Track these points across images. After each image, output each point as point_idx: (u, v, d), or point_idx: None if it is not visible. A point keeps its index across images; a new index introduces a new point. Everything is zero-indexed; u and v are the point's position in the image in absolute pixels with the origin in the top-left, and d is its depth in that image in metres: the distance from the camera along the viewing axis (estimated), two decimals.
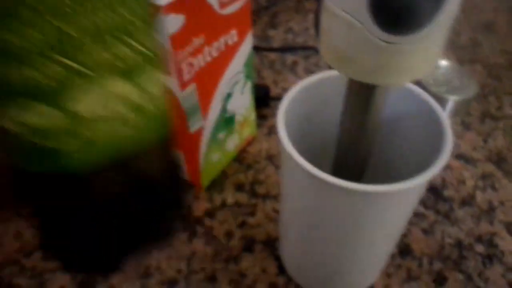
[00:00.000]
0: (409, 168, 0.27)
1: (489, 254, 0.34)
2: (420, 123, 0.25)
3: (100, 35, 0.11)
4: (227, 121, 0.37)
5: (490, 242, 0.35)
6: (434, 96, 0.43)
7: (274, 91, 0.48)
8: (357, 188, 0.20)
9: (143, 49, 0.12)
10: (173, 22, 0.26)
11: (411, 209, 0.25)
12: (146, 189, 0.15)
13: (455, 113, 0.44)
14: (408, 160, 0.28)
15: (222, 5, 0.30)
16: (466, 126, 0.44)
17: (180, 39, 0.27)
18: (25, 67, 0.09)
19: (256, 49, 0.53)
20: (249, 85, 0.37)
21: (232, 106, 0.36)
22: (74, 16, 0.10)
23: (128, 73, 0.11)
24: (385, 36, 0.16)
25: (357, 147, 0.23)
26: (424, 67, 0.17)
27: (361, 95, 0.20)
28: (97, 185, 0.13)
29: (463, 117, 0.45)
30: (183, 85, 0.30)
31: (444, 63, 0.46)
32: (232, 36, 0.32)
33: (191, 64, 0.30)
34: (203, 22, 0.29)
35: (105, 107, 0.10)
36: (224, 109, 0.35)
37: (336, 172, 0.26)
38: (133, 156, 0.13)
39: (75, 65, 0.10)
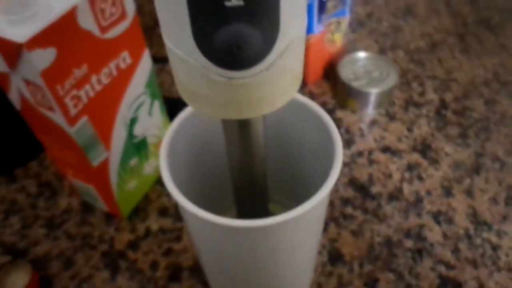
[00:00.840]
0: (316, 180, 0.26)
1: (419, 248, 0.34)
2: (315, 135, 0.24)
3: None
4: (137, 146, 0.34)
5: (418, 235, 0.35)
6: (356, 91, 0.42)
7: None
8: (253, 225, 0.19)
9: None
10: (42, 58, 0.24)
11: (316, 224, 0.24)
12: None
13: (378, 104, 0.44)
14: (313, 173, 0.26)
15: (103, 29, 0.27)
16: (390, 116, 0.44)
17: (55, 73, 0.25)
18: None
19: (165, 60, 0.50)
20: (157, 104, 0.35)
21: (139, 130, 0.34)
22: None
23: None
24: (223, 72, 0.14)
25: (249, 178, 0.22)
26: (282, 95, 0.16)
27: (235, 128, 0.19)
28: None
29: (387, 107, 0.45)
30: (71, 120, 0.27)
31: (363, 54, 0.45)
32: (123, 58, 0.30)
33: (77, 97, 0.27)
34: (82, 51, 0.27)
35: None
36: (130, 135, 0.33)
37: (239, 204, 0.25)
38: None
39: None
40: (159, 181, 0.39)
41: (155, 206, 0.37)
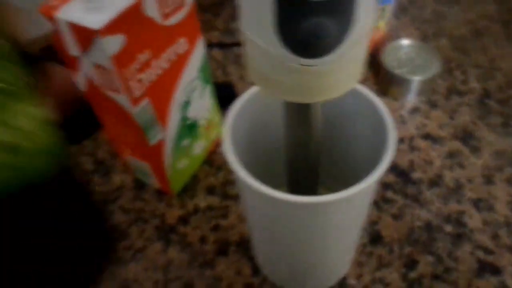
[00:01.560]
0: (365, 165, 0.28)
1: (458, 233, 0.35)
2: (367, 122, 0.25)
3: None
4: (189, 128, 0.36)
5: (458, 221, 0.36)
6: (398, 78, 0.43)
7: (241, 86, 0.48)
8: (307, 201, 0.21)
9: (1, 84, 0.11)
10: (113, 43, 0.26)
11: (364, 206, 0.25)
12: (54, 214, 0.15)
13: (420, 92, 0.44)
14: (362, 158, 0.28)
15: (165, 16, 0.29)
16: (432, 104, 0.44)
17: (123, 58, 0.27)
18: None
19: (219, 45, 0.52)
20: (208, 89, 0.37)
21: (192, 112, 0.36)
22: None
23: None
24: (299, 60, 0.16)
25: (305, 159, 0.23)
26: (347, 83, 0.17)
27: (297, 111, 0.20)
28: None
29: (429, 95, 0.45)
30: (135, 101, 0.30)
31: (406, 42, 0.46)
32: (181, 45, 0.32)
33: (140, 80, 0.29)
34: (146, 37, 0.28)
35: None
36: (184, 117, 0.35)
37: (291, 183, 0.26)
38: (31, 188, 0.13)
39: None
40: (206, 162, 0.41)
41: (202, 185, 0.40)
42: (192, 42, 0.33)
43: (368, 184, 0.21)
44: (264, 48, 0.16)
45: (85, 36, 0.26)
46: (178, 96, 0.34)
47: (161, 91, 0.32)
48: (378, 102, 0.24)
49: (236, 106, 0.25)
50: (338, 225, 0.24)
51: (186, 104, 0.35)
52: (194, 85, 0.35)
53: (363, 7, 0.15)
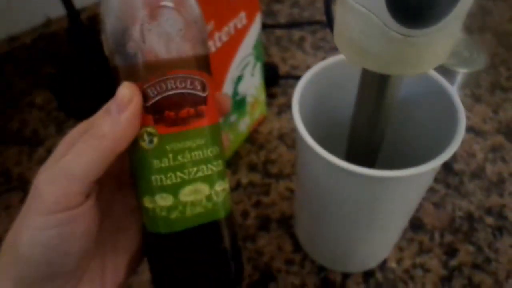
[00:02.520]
0: (424, 149, 0.28)
1: (499, 225, 0.35)
2: (434, 105, 0.26)
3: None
4: (238, 104, 0.37)
5: (499, 214, 0.36)
6: (443, 70, 0.43)
7: (282, 69, 0.48)
8: (372, 174, 0.21)
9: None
10: None
11: (424, 190, 0.25)
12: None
13: (465, 85, 0.44)
14: (422, 141, 0.28)
15: None
16: (476, 98, 0.44)
17: None
18: None
19: (262, 26, 0.52)
20: (259, 66, 0.37)
21: (242, 88, 0.36)
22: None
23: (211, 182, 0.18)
24: (402, 29, 0.16)
25: (371, 133, 0.24)
26: (440, 57, 0.18)
27: (376, 84, 0.21)
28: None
29: (473, 89, 0.45)
30: None
31: None
32: (241, 19, 0.32)
33: None
34: (210, 9, 0.29)
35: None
36: (235, 92, 0.36)
37: (349, 156, 0.27)
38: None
39: None
40: (248, 140, 0.42)
41: (244, 162, 0.40)
42: (251, 17, 0.33)
43: (433, 166, 0.21)
44: (369, 17, 0.16)
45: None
46: (233, 70, 0.34)
47: (219, 63, 0.32)
48: (450, 87, 0.24)
49: (306, 77, 0.25)
50: (395, 205, 0.25)
51: (239, 79, 0.35)
52: (247, 60, 0.35)
53: None
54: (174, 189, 0.18)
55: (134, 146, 0.18)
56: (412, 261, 0.33)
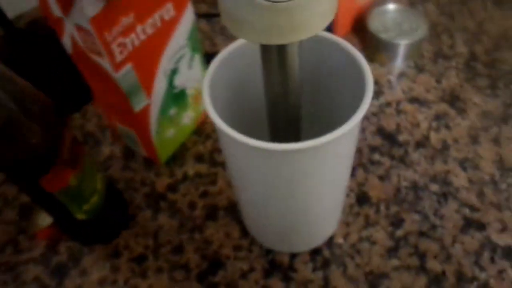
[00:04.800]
0: (346, 117, 0.28)
1: (444, 192, 0.35)
2: (346, 72, 0.25)
3: None
4: (177, 97, 0.36)
5: (444, 180, 0.36)
6: (385, 43, 0.43)
7: None
8: (287, 148, 0.21)
9: None
10: (92, 4, 0.26)
11: (346, 156, 0.25)
12: None
13: (407, 56, 0.44)
14: (343, 110, 0.28)
15: None
16: (419, 68, 0.44)
17: (104, 21, 0.27)
18: None
19: (206, 15, 0.52)
20: (197, 58, 0.37)
21: (180, 81, 0.36)
22: None
23: None
24: None
25: (285, 107, 0.23)
26: (319, 21, 0.17)
27: (273, 55, 0.20)
28: None
29: (416, 60, 0.45)
30: (117, 66, 0.29)
31: (392, 6, 0.45)
32: (167, 10, 0.31)
33: (123, 44, 0.29)
34: (129, 1, 0.28)
35: None
36: (171, 85, 0.35)
37: (273, 135, 0.26)
38: None
39: None
40: (195, 131, 0.41)
41: (191, 153, 0.40)
42: (179, 9, 0.32)
43: (344, 131, 0.21)
44: None
45: None
46: (165, 63, 0.33)
47: (146, 57, 0.31)
48: (354, 50, 0.24)
49: (217, 60, 0.25)
50: (323, 173, 0.25)
51: (174, 72, 0.35)
52: (182, 53, 0.35)
53: None
54: None
55: None
56: (359, 235, 0.34)
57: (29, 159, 0.25)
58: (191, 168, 0.39)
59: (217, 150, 0.40)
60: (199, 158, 0.39)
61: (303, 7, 0.16)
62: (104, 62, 0.29)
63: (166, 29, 0.32)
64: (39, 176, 0.27)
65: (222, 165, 0.39)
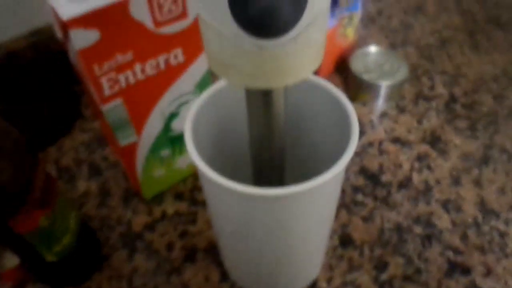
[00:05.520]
0: (330, 160, 0.27)
1: (428, 234, 0.35)
2: (331, 115, 0.25)
3: None
4: (172, 140, 0.35)
5: (428, 222, 0.36)
6: (367, 83, 0.44)
7: None
8: (269, 194, 0.20)
9: None
10: (83, 37, 0.25)
11: (330, 201, 0.25)
12: None
13: (389, 97, 0.45)
14: (329, 155, 0.28)
15: (158, 24, 0.28)
16: (400, 109, 0.45)
17: (94, 54, 0.26)
18: None
19: None
20: None
21: (178, 125, 0.34)
22: None
23: None
24: (254, 41, 0.15)
25: (269, 151, 0.23)
26: (305, 67, 0.17)
27: (258, 99, 0.20)
28: None
29: (398, 101, 0.45)
30: (104, 99, 0.29)
31: (374, 49, 0.46)
32: (175, 55, 0.30)
33: (114, 80, 0.28)
34: (130, 40, 0.27)
35: None
36: (167, 128, 0.34)
37: (257, 178, 0.26)
38: None
39: None
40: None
41: (171, 190, 0.39)
42: (190, 55, 0.31)
43: (334, 174, 0.21)
44: (220, 30, 0.16)
45: (62, 24, 0.25)
46: (163, 105, 0.32)
47: (141, 96, 0.30)
48: (340, 94, 0.24)
49: (201, 99, 0.24)
50: (305, 219, 0.24)
51: (173, 115, 0.33)
52: (186, 99, 0.33)
53: None
54: None
55: None
56: (343, 279, 0.33)
57: None
58: (170, 206, 0.37)
59: (197, 188, 0.39)
60: (179, 196, 0.38)
61: (290, 54, 0.16)
62: (93, 92, 0.28)
63: (171, 73, 0.31)
64: (8, 216, 0.25)
65: (203, 204, 0.37)
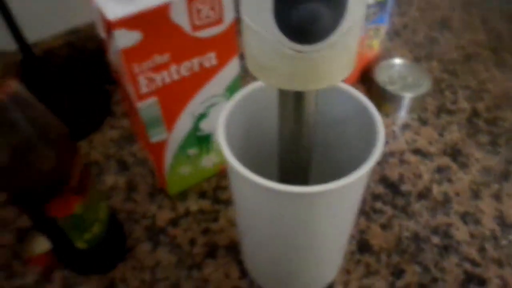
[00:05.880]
0: (353, 165, 0.28)
1: (445, 245, 0.35)
2: (358, 122, 0.26)
3: None
4: (200, 139, 0.37)
5: (445, 233, 0.36)
6: (390, 94, 0.44)
7: None
8: (297, 191, 0.21)
9: None
10: (126, 37, 0.27)
11: (353, 204, 0.26)
12: None
13: (411, 109, 0.45)
14: (351, 158, 0.28)
15: (195, 28, 0.29)
16: (422, 121, 0.45)
17: (135, 54, 0.28)
18: None
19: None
20: None
21: (207, 126, 0.36)
22: None
23: None
24: (294, 46, 0.16)
25: (296, 150, 0.24)
26: (339, 72, 0.18)
27: (291, 100, 0.21)
28: None
29: (420, 113, 0.46)
30: (140, 97, 0.30)
31: (398, 61, 0.47)
32: (209, 58, 0.32)
33: (151, 79, 0.30)
34: (169, 41, 0.29)
35: None
36: (196, 128, 0.35)
37: (282, 177, 0.27)
38: None
39: None
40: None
41: (195, 188, 0.40)
42: (223, 59, 0.32)
43: (359, 176, 0.22)
44: (262, 34, 0.17)
45: (107, 24, 0.27)
46: (194, 106, 0.34)
47: (174, 95, 0.32)
48: (368, 102, 0.25)
49: (233, 101, 0.25)
50: (328, 220, 0.25)
51: (202, 116, 0.35)
52: (216, 100, 0.35)
53: None
54: None
55: None
56: (359, 284, 0.33)
57: (39, 184, 0.25)
58: (194, 203, 0.39)
59: (221, 187, 0.40)
60: (203, 194, 0.39)
61: (326, 58, 0.17)
62: (130, 89, 0.30)
63: (204, 75, 0.32)
64: (45, 201, 0.27)
65: (225, 203, 0.39)
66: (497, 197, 0.39)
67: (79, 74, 0.48)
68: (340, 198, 0.23)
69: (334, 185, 0.21)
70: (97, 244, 0.32)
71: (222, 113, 0.25)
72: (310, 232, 0.26)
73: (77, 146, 0.29)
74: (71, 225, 0.29)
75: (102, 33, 0.29)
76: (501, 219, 0.37)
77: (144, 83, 0.30)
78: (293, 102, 0.21)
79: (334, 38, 0.16)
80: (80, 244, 0.31)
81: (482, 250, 0.35)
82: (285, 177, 0.27)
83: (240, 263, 0.35)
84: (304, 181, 0.27)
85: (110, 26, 0.26)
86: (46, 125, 0.25)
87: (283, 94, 0.21)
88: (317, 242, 0.27)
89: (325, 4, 0.15)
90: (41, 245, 0.36)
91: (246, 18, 0.17)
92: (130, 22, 0.26)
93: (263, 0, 0.16)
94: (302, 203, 0.23)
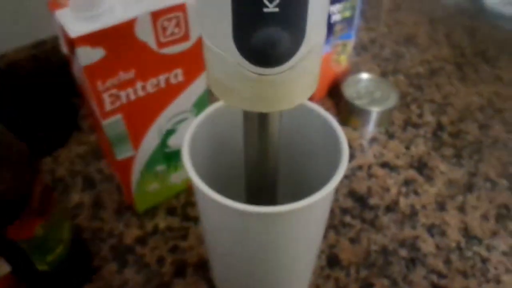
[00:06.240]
0: (320, 182, 0.28)
1: (412, 257, 0.36)
2: (324, 139, 0.27)
3: None
4: (168, 156, 0.36)
5: (413, 245, 0.37)
6: (358, 109, 0.45)
7: None
8: (263, 211, 0.21)
9: None
10: (89, 54, 0.26)
11: (320, 221, 0.26)
12: None
13: (379, 123, 0.46)
14: (321, 176, 0.29)
15: (161, 44, 0.29)
16: (389, 135, 0.46)
17: (99, 71, 0.27)
18: None
19: None
20: None
21: (174, 142, 0.35)
22: None
23: None
24: (255, 69, 0.17)
25: (263, 170, 0.24)
26: (301, 93, 0.18)
27: (255, 121, 0.21)
28: None
29: (387, 127, 0.47)
30: (105, 114, 0.30)
31: (365, 76, 0.48)
32: (176, 75, 0.31)
33: (116, 96, 0.29)
34: (134, 58, 0.28)
35: None
36: (163, 144, 0.35)
37: (249, 197, 0.27)
38: None
39: None
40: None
41: (163, 205, 0.39)
42: (190, 76, 0.32)
43: (325, 194, 0.22)
44: (223, 56, 0.17)
45: (69, 41, 0.26)
46: (161, 122, 0.33)
47: (140, 112, 0.31)
48: (331, 118, 0.25)
49: (199, 118, 0.25)
50: (295, 237, 0.25)
51: (169, 132, 0.34)
52: (184, 116, 0.34)
53: (314, 22, 0.16)
54: None
55: None
56: None
57: None
58: (162, 221, 0.38)
59: (190, 203, 0.39)
60: (171, 211, 0.39)
61: (288, 80, 0.17)
62: (94, 106, 0.29)
63: (170, 92, 0.32)
64: (4, 223, 0.25)
65: (194, 220, 0.38)
66: (461, 209, 0.40)
67: (44, 88, 0.47)
68: (307, 216, 0.24)
69: (300, 204, 0.22)
70: (61, 266, 0.31)
71: (187, 132, 0.25)
72: (279, 250, 0.25)
73: (38, 165, 0.28)
74: (32, 248, 0.28)
75: (65, 49, 0.29)
76: (465, 231, 0.38)
77: (109, 100, 0.29)
78: (257, 123, 0.21)
79: (294, 60, 0.17)
80: (42, 267, 0.30)
81: (447, 261, 0.36)
82: (252, 196, 0.26)
83: (209, 281, 0.34)
84: (272, 200, 0.27)
85: (73, 43, 0.25)
86: (3, 145, 0.24)
87: (247, 114, 0.21)
88: (286, 260, 0.27)
89: (284, 29, 0.15)
90: (2, 268, 0.35)
91: (207, 41, 0.17)
92: (93, 39, 0.26)
93: (224, 24, 0.16)
94: (268, 223, 0.23)
